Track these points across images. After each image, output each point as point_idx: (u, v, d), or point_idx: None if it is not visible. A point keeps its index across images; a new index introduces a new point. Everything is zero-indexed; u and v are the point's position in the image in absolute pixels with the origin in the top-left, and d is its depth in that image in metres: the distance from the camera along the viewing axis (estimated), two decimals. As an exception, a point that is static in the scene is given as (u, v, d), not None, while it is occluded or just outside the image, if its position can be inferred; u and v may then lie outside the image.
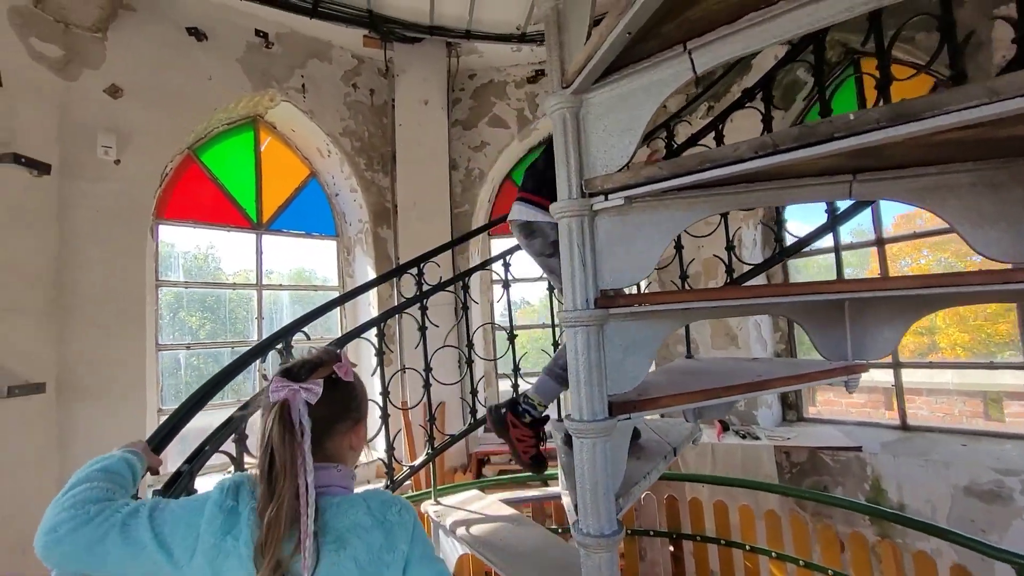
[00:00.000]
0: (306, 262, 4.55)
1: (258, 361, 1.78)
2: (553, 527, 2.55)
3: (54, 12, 2.83)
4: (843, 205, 2.03)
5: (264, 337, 3.98)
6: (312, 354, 0.90)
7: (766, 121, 2.09)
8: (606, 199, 1.33)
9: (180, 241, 3.80)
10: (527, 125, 4.48)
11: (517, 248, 2.64)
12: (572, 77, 1.32)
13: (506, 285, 2.58)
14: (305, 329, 1.88)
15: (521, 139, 4.54)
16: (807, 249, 2.55)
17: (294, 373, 0.85)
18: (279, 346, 1.84)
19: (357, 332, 2.16)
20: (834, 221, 1.92)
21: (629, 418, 1.43)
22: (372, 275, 4.21)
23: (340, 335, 4.22)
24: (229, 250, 4.17)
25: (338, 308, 4.44)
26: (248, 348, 1.76)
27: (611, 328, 1.38)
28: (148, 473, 1.07)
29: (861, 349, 1.72)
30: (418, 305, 2.32)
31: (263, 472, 0.78)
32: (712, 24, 1.08)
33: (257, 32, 3.67)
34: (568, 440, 1.69)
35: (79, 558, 0.78)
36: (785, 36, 1.02)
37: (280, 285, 4.10)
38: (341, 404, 0.88)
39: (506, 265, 2.58)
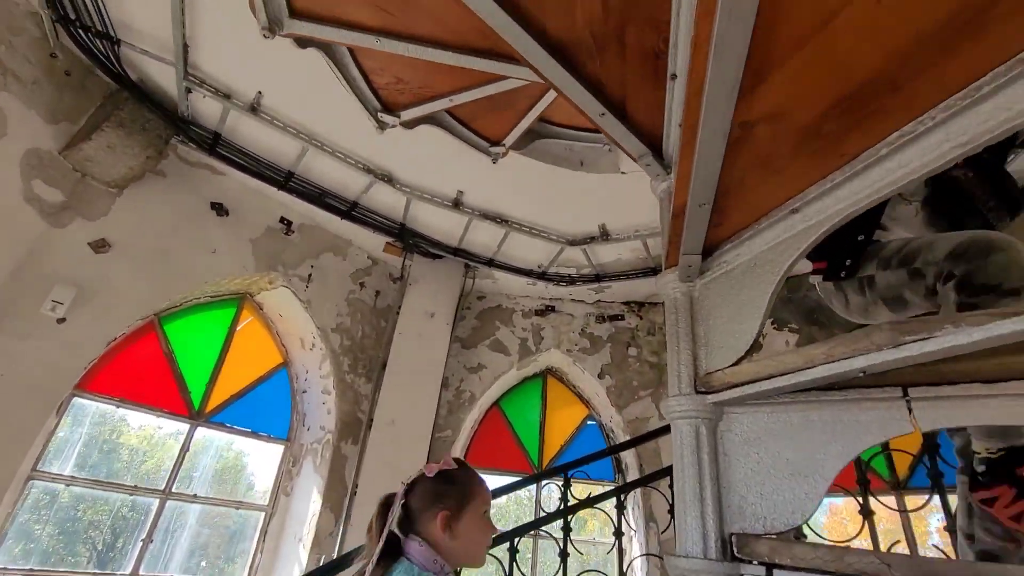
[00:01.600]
0: (232, 465, 3.71)
1: None
2: None
3: (78, 162, 2.65)
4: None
5: None
6: None
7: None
8: (770, 575, 0.90)
9: (88, 421, 3.03)
10: (528, 355, 4.29)
11: (635, 484, 2.38)
12: (721, 386, 1.01)
13: (618, 534, 1.98)
14: None
15: (519, 368, 4.29)
16: None
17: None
18: None
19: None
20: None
21: None
22: (317, 497, 3.37)
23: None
24: (142, 439, 3.37)
25: (256, 535, 3.45)
26: None
27: None
28: None
29: None
30: None
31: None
32: (961, 376, 0.82)
33: (282, 219, 3.60)
34: None
35: None
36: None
37: (195, 496, 3.18)
38: (431, 494, 1.08)
39: (620, 507, 2.02)
